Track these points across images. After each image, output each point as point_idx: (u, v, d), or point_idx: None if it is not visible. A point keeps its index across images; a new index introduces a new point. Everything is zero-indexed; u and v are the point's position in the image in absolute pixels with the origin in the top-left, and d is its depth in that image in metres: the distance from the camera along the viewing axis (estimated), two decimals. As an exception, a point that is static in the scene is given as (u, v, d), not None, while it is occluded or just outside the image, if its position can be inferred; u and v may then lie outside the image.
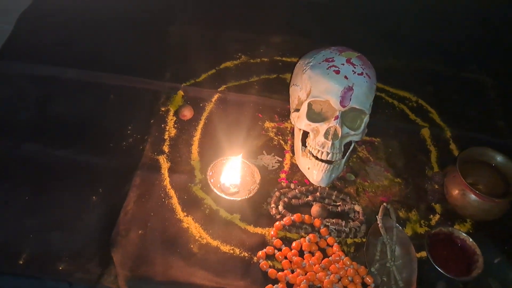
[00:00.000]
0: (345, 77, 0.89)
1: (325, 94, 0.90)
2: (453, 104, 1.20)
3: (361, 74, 0.91)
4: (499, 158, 0.95)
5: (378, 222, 0.87)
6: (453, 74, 1.28)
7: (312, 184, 0.94)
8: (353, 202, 0.93)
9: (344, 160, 0.94)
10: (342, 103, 0.89)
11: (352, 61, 0.92)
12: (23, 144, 0.93)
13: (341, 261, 0.82)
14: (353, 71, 0.90)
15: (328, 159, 0.90)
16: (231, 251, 0.83)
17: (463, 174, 0.94)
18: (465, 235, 0.88)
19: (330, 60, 0.93)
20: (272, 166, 0.98)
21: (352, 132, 0.92)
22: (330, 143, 0.89)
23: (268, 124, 1.05)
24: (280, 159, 0.99)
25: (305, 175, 0.96)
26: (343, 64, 0.91)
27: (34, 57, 1.10)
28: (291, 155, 1.00)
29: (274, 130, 1.04)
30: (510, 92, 1.26)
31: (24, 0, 1.20)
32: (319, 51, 0.98)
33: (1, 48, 1.10)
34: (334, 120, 0.89)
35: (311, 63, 0.95)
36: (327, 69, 0.91)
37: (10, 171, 0.89)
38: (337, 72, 0.90)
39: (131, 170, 0.91)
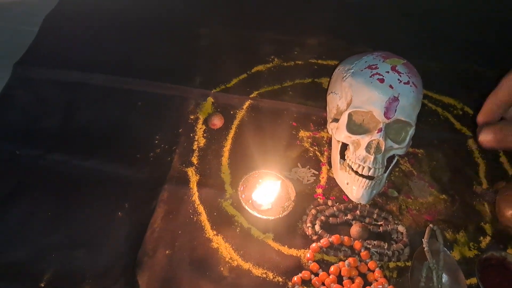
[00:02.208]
0: (390, 86, 0.82)
1: (368, 105, 0.83)
2: (503, 112, 1.10)
3: (407, 83, 0.83)
4: (560, 176, 0.87)
5: (424, 245, 0.80)
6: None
7: (351, 201, 0.87)
8: (396, 222, 0.86)
9: (386, 174, 0.86)
10: (386, 114, 0.81)
11: (397, 68, 0.84)
12: (48, 154, 0.89)
13: (385, 290, 0.76)
14: (398, 79, 0.83)
15: (369, 174, 0.83)
16: (264, 275, 0.77)
17: (517, 193, 0.87)
18: (520, 260, 0.80)
19: (374, 67, 0.85)
20: (308, 180, 0.91)
21: (396, 146, 0.84)
22: (372, 157, 0.82)
23: (302, 134, 0.99)
24: (316, 172, 0.93)
25: (343, 191, 0.89)
26: (388, 72, 0.83)
27: (59, 62, 1.06)
28: (328, 168, 0.94)
29: (309, 140, 0.98)
30: None
31: (49, 2, 1.16)
32: (361, 56, 0.90)
33: (25, 52, 1.06)
34: (378, 132, 0.82)
35: (352, 70, 0.88)
36: (370, 77, 0.84)
37: (34, 184, 0.86)
38: (381, 80, 0.82)
39: (158, 183, 0.86)
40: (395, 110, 0.81)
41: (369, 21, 1.24)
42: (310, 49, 1.17)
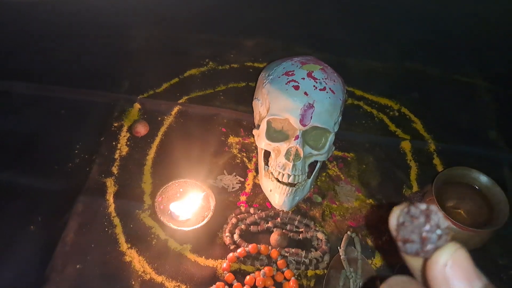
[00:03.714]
0: (305, 93, 0.80)
1: (284, 112, 0.81)
2: (441, 112, 1.10)
3: (323, 89, 0.81)
4: (483, 180, 0.85)
5: (340, 253, 0.79)
6: (443, 77, 1.18)
7: (274, 208, 0.86)
8: (317, 229, 0.85)
9: (310, 180, 0.86)
10: (302, 122, 0.80)
11: (313, 74, 0.83)
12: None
13: (295, 301, 0.75)
14: (314, 86, 0.81)
15: (289, 181, 0.82)
16: (177, 288, 0.76)
17: (443, 197, 0.86)
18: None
19: (290, 73, 0.84)
20: (233, 188, 0.90)
21: (316, 152, 0.83)
22: (291, 164, 0.81)
23: (232, 139, 0.97)
24: (242, 180, 0.91)
25: (267, 198, 0.88)
26: (304, 79, 0.82)
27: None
28: (255, 174, 0.92)
29: (238, 146, 0.96)
30: (506, 97, 1.15)
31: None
32: (282, 62, 0.89)
33: None
34: (295, 140, 0.81)
35: (271, 76, 0.86)
36: (286, 84, 0.82)
37: None
38: (297, 87, 0.81)
39: (73, 195, 0.84)
40: (311, 117, 0.80)
41: (309, 21, 1.22)
42: (246, 51, 1.15)
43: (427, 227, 0.26)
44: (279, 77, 0.84)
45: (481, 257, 0.84)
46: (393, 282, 0.28)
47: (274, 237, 0.82)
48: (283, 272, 0.79)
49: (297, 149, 0.81)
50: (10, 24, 1.11)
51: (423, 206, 0.26)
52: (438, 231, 0.26)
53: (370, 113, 1.06)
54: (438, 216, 0.26)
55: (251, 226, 0.84)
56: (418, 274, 0.28)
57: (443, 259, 0.25)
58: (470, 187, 0.86)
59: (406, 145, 1.01)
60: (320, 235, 0.83)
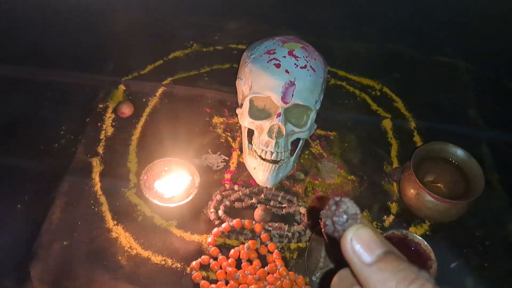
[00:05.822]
0: (286, 71, 0.82)
1: (266, 90, 0.83)
2: (421, 91, 1.12)
3: (304, 67, 0.83)
4: (460, 154, 0.88)
5: (322, 226, 0.81)
6: (424, 58, 1.20)
7: (258, 185, 0.88)
8: (300, 204, 0.87)
9: (293, 157, 0.88)
10: (283, 99, 0.82)
11: (294, 53, 0.84)
12: None
13: (277, 271, 0.77)
14: (295, 64, 0.83)
15: (272, 158, 0.84)
16: (163, 262, 0.78)
17: (422, 171, 0.89)
18: (420, 238, 0.81)
19: (272, 52, 0.85)
20: (218, 166, 0.92)
21: (298, 129, 0.85)
22: (274, 142, 0.83)
23: (216, 120, 0.99)
24: (227, 158, 0.93)
25: (251, 175, 0.89)
26: (285, 57, 0.84)
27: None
28: (239, 153, 0.94)
29: (222, 126, 0.98)
30: (485, 76, 1.18)
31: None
32: (263, 41, 0.90)
33: None
34: (277, 117, 0.82)
35: (253, 55, 0.88)
36: (268, 62, 0.84)
37: None
38: (278, 65, 0.83)
39: (59, 174, 0.85)
40: (292, 94, 0.82)
41: (292, 3, 1.24)
42: (231, 34, 1.16)
43: (337, 213, 0.33)
44: (261, 56, 0.86)
45: (459, 230, 0.87)
46: (343, 274, 0.33)
47: (258, 212, 0.84)
48: (266, 245, 0.81)
49: (279, 127, 0.82)
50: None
51: (337, 198, 0.33)
52: (345, 216, 0.32)
53: (352, 93, 1.08)
54: (347, 205, 0.33)
55: (236, 203, 0.86)
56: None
57: (349, 236, 0.31)
58: (447, 162, 0.89)
59: (387, 124, 1.03)
60: (302, 210, 0.86)
